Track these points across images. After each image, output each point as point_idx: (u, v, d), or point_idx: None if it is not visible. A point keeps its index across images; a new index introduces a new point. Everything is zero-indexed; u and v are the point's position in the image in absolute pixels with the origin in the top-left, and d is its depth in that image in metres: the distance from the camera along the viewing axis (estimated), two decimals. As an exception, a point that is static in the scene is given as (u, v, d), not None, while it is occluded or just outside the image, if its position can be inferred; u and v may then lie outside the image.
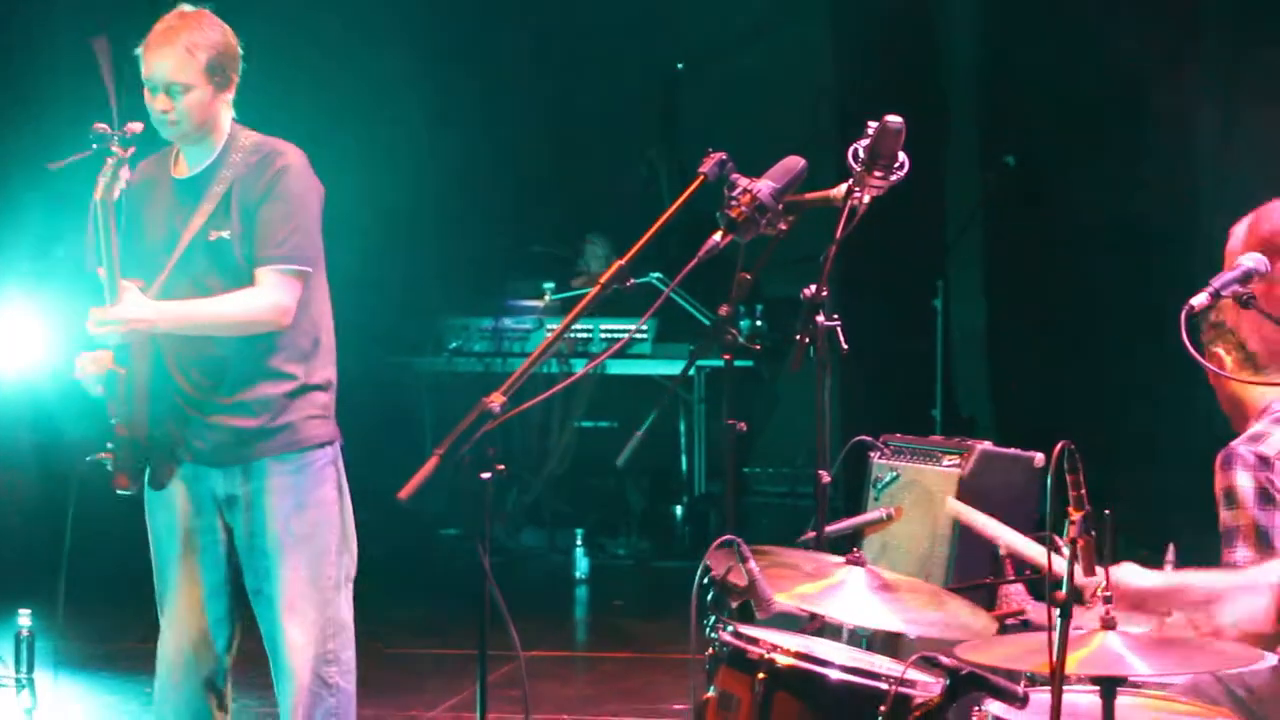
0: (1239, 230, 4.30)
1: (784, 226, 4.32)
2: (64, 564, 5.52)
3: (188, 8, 5.34)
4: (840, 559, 4.28)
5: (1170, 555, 4.67)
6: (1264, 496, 4.61)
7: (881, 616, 4.16)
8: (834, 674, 4.06)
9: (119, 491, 5.34)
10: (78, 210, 5.28)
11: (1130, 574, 4.31)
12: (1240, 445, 4.73)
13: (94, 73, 5.11)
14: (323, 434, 5.38)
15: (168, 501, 5.40)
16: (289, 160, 5.30)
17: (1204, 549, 4.62)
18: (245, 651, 5.55)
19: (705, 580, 4.12)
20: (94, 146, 5.20)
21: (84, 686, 8.09)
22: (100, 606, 8.57)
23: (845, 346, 4.26)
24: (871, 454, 6.24)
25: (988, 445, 6.08)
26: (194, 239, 5.25)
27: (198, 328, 5.24)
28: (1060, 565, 3.57)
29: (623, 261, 4.21)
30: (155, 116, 5.27)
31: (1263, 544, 4.52)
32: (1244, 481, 4.61)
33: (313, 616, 5.33)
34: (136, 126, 5.23)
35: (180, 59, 5.21)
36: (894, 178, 4.37)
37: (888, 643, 5.29)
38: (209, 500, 5.37)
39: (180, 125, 5.27)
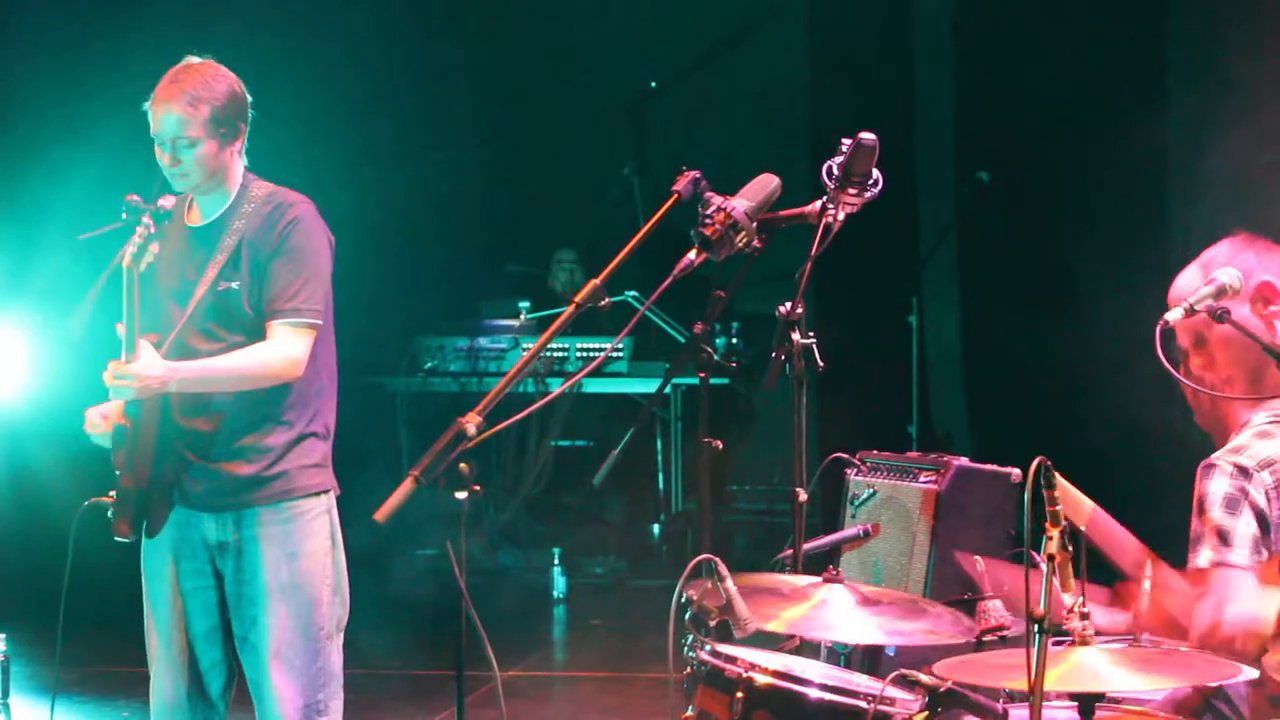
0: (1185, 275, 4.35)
1: (758, 244, 4.32)
2: (61, 610, 5.45)
3: (194, 59, 5.31)
4: (818, 578, 4.27)
5: (1147, 571, 4.68)
6: (1230, 503, 4.63)
7: (868, 631, 4.15)
8: (813, 692, 4.05)
9: (118, 538, 5.30)
10: (50, 232, 5.26)
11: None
12: (1220, 457, 4.74)
13: (68, 86, 5.09)
14: (317, 483, 5.35)
15: (160, 546, 5.35)
16: (300, 212, 5.29)
17: (1181, 564, 4.62)
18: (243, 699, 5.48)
19: (683, 599, 4.11)
20: (124, 216, 5.19)
21: (61, 711, 8.05)
22: (84, 631, 8.52)
23: (821, 363, 4.25)
24: (848, 471, 6.24)
25: (964, 461, 6.07)
26: (208, 290, 5.24)
27: (213, 384, 5.22)
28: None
29: (598, 280, 4.20)
30: (165, 170, 5.26)
31: (1223, 544, 4.54)
32: (1216, 489, 4.62)
33: (301, 666, 5.28)
34: (168, 202, 5.23)
35: (186, 113, 5.18)
36: (868, 194, 4.37)
37: (867, 660, 5.28)
38: (200, 546, 5.33)
39: (190, 179, 5.26)
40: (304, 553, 5.30)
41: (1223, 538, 4.57)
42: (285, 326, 5.22)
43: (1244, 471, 4.60)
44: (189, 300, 5.25)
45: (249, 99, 5.35)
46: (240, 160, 5.35)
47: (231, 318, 5.24)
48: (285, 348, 5.22)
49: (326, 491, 5.37)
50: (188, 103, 5.19)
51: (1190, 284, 4.37)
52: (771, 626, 4.06)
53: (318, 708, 5.32)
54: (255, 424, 5.26)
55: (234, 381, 5.21)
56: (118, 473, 5.26)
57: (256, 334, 5.24)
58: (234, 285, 5.23)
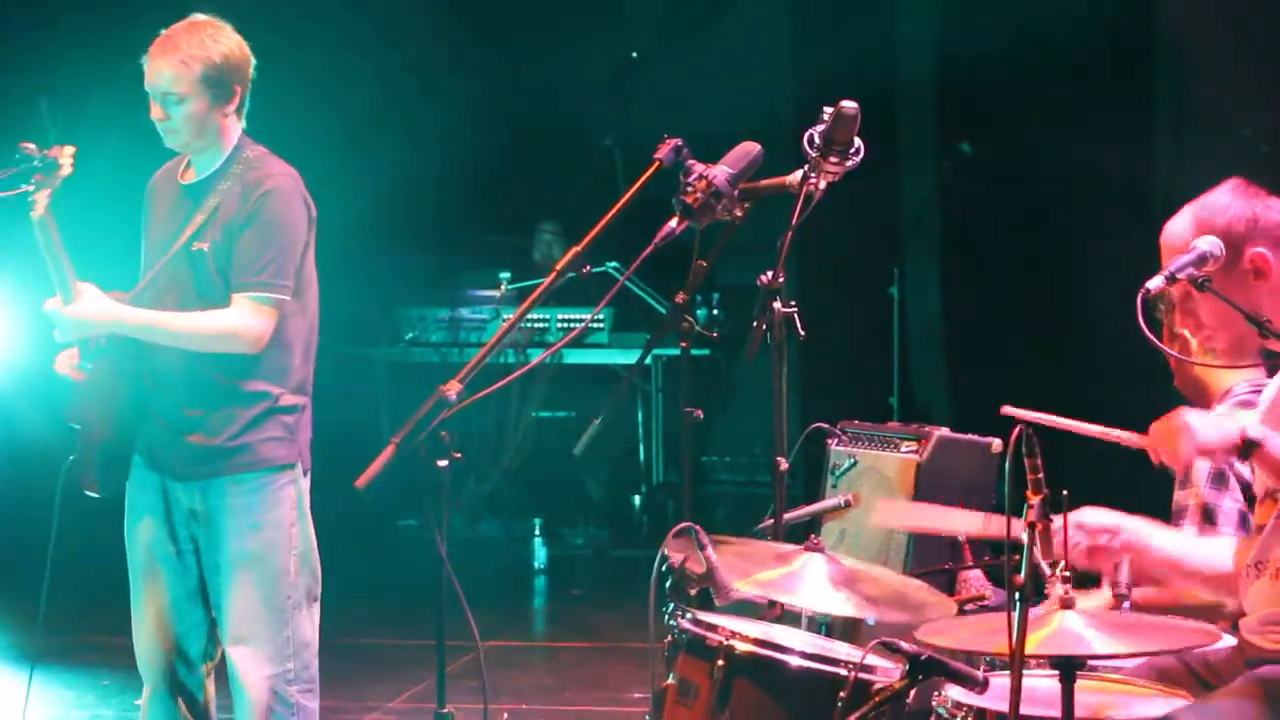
0: (1179, 223, 4.31)
1: (740, 213, 4.31)
2: (48, 571, 5.44)
3: (200, 17, 5.29)
4: (798, 547, 4.28)
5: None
6: (1217, 478, 4.64)
7: (840, 602, 4.16)
8: (793, 660, 4.06)
9: (87, 493, 5.33)
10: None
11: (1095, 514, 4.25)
12: (1203, 429, 4.74)
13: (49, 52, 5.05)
14: (282, 456, 5.31)
15: (140, 509, 5.36)
16: (275, 184, 5.24)
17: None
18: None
19: (664, 568, 4.11)
20: (18, 168, 5.15)
21: (42, 679, 8.03)
22: (68, 597, 8.51)
23: (803, 333, 4.25)
24: (829, 441, 6.25)
25: (945, 431, 6.09)
26: (181, 247, 5.21)
27: (164, 337, 5.19)
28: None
29: (579, 249, 4.20)
30: (156, 124, 5.26)
31: (1207, 522, 4.55)
32: (1201, 463, 4.63)
33: (265, 636, 5.27)
34: (59, 152, 5.16)
35: (176, 70, 5.17)
36: (850, 163, 4.36)
37: (847, 628, 5.29)
38: (179, 510, 5.33)
39: (179, 136, 5.25)
40: (267, 523, 5.27)
41: (1208, 515, 4.58)
42: (247, 300, 5.19)
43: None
44: (165, 254, 5.24)
45: (252, 61, 5.31)
46: (237, 123, 5.32)
47: (199, 279, 5.21)
48: (243, 320, 5.18)
49: (294, 465, 5.34)
50: (180, 60, 5.18)
51: (1179, 232, 4.32)
52: (742, 585, 4.07)
53: (287, 677, 5.30)
54: (222, 396, 5.23)
55: (188, 340, 5.18)
56: (76, 427, 5.27)
57: (220, 300, 5.20)
58: (204, 246, 5.20)
